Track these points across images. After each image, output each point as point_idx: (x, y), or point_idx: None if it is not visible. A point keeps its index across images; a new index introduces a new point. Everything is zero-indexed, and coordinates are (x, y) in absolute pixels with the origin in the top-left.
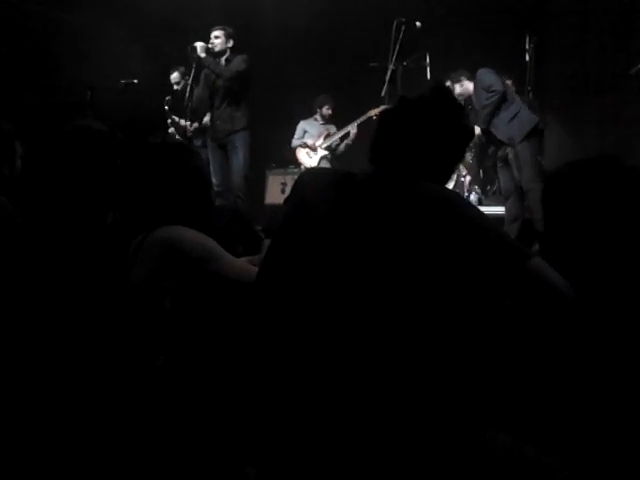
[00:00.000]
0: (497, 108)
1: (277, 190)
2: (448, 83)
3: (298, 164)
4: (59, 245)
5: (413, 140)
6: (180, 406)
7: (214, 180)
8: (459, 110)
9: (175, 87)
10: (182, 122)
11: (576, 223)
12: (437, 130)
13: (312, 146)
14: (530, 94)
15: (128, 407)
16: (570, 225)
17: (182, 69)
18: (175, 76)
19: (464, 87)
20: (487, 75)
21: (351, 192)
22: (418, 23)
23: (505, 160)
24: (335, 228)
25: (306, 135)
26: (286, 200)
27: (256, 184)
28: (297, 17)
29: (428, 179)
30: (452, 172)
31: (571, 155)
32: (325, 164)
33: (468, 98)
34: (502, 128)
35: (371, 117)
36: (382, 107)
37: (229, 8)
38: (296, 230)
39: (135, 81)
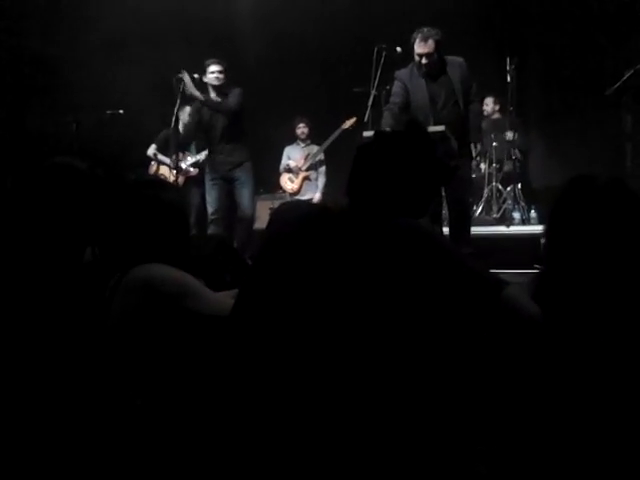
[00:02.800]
0: None
1: (266, 216)
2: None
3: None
4: (36, 283)
5: (388, 175)
6: (160, 445)
7: (209, 208)
8: (432, 146)
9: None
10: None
11: (582, 244)
12: (412, 165)
13: (295, 169)
14: (512, 114)
15: (107, 447)
16: (576, 245)
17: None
18: (188, 110)
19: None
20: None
21: (327, 228)
22: (399, 48)
23: None
24: (310, 264)
25: (290, 160)
26: (262, 234)
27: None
28: (284, 45)
29: (404, 213)
30: (428, 206)
31: (555, 172)
32: (309, 186)
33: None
34: None
35: (346, 129)
36: (353, 119)
37: (213, 43)
38: (270, 266)
39: (120, 111)
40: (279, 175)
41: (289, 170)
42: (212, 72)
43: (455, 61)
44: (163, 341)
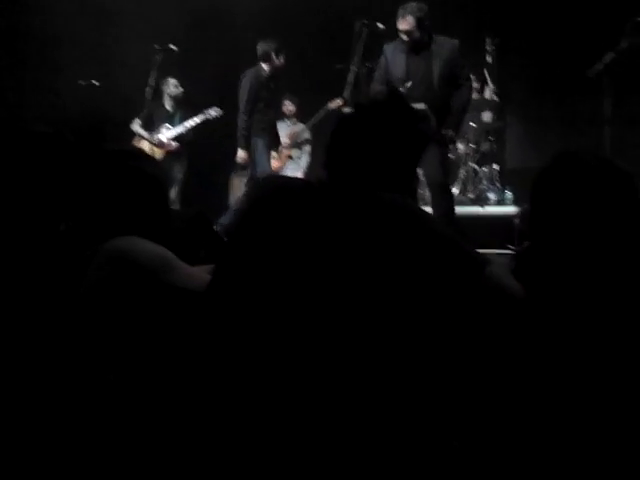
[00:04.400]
0: None
1: (241, 192)
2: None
3: None
4: (5, 254)
5: (367, 146)
6: (134, 421)
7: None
8: (413, 115)
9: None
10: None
11: (566, 219)
12: (391, 135)
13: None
14: (491, 94)
15: (79, 422)
16: (560, 220)
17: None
18: (173, 82)
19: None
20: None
21: (306, 202)
22: (380, 25)
23: None
24: (288, 240)
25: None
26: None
27: (222, 187)
28: (265, 19)
29: (385, 185)
30: (411, 177)
31: (532, 153)
32: (292, 165)
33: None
34: None
35: (330, 110)
36: (339, 100)
37: (194, 14)
38: (246, 242)
39: (96, 82)
40: None
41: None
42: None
43: (446, 42)
44: (137, 314)
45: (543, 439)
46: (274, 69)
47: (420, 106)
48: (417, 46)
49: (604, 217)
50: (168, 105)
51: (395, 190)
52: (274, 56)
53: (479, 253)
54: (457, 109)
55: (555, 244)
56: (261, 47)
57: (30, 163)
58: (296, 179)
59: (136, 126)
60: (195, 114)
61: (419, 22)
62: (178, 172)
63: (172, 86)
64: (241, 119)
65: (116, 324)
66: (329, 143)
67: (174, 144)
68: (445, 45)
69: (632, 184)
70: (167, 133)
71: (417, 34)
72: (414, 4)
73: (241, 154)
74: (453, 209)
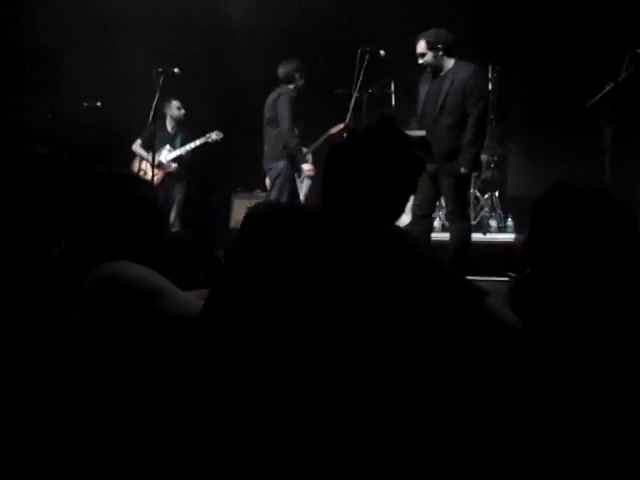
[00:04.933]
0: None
1: (243, 214)
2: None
3: (265, 188)
4: None
5: (361, 173)
6: (124, 447)
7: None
8: (406, 141)
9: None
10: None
11: (563, 249)
12: (384, 162)
13: None
14: (493, 122)
15: (68, 448)
16: (557, 251)
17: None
18: (176, 104)
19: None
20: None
21: (301, 230)
22: (382, 51)
23: None
24: (283, 266)
25: None
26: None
27: (222, 208)
28: (268, 43)
29: (379, 213)
30: (404, 204)
31: (533, 181)
32: None
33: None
34: None
35: (332, 135)
36: (341, 125)
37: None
38: (242, 267)
39: (98, 104)
40: (260, 174)
41: None
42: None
43: (462, 67)
44: (129, 340)
45: (541, 473)
46: (296, 89)
47: (419, 133)
48: (434, 72)
49: (601, 248)
50: (169, 127)
51: (388, 216)
52: (297, 76)
53: (476, 285)
54: (465, 143)
55: (552, 274)
56: (284, 68)
57: (25, 184)
58: (292, 205)
59: (137, 147)
60: (196, 136)
61: (430, 46)
62: (177, 193)
63: (174, 108)
64: (291, 136)
65: (108, 350)
66: (324, 171)
67: (174, 165)
68: (459, 70)
69: (629, 216)
70: (167, 155)
71: (428, 58)
72: (432, 30)
73: (308, 167)
74: (465, 237)
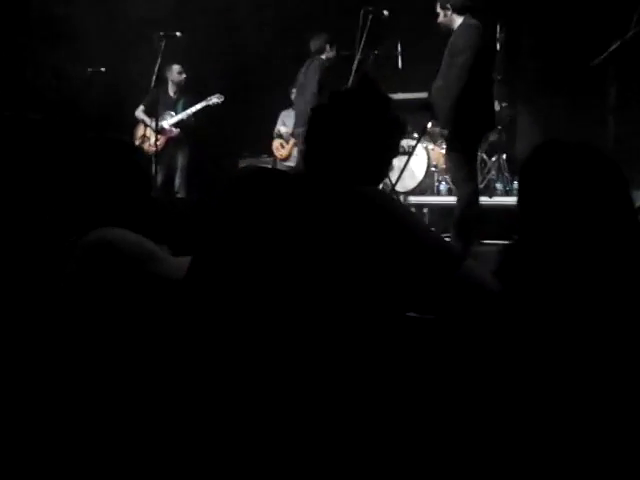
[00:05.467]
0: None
1: None
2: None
3: (271, 153)
4: None
5: (341, 135)
6: (119, 413)
7: None
8: (386, 102)
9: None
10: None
11: (551, 211)
12: (364, 123)
13: (286, 135)
14: (500, 83)
15: (63, 416)
16: (547, 209)
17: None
18: (177, 69)
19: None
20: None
21: (281, 192)
22: (386, 12)
23: None
24: (263, 228)
25: (285, 125)
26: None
27: (229, 174)
28: (272, 9)
29: (361, 175)
30: (386, 166)
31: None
32: (298, 153)
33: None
34: None
35: None
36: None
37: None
38: (224, 228)
39: (102, 69)
40: (267, 140)
41: (280, 136)
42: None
43: (465, 24)
44: (120, 305)
45: (517, 437)
46: (328, 60)
47: (421, 95)
48: (447, 32)
49: (589, 207)
50: (172, 91)
51: (370, 178)
52: (328, 47)
53: (455, 248)
54: (442, 105)
55: (540, 236)
56: (314, 43)
57: (14, 150)
58: (273, 170)
59: (139, 112)
60: (198, 100)
61: (441, 5)
62: (180, 158)
63: (175, 72)
64: (315, 100)
65: (99, 315)
66: (306, 132)
67: (175, 130)
68: (462, 28)
69: (617, 171)
70: (169, 120)
71: (440, 18)
72: None
73: None
74: (469, 201)
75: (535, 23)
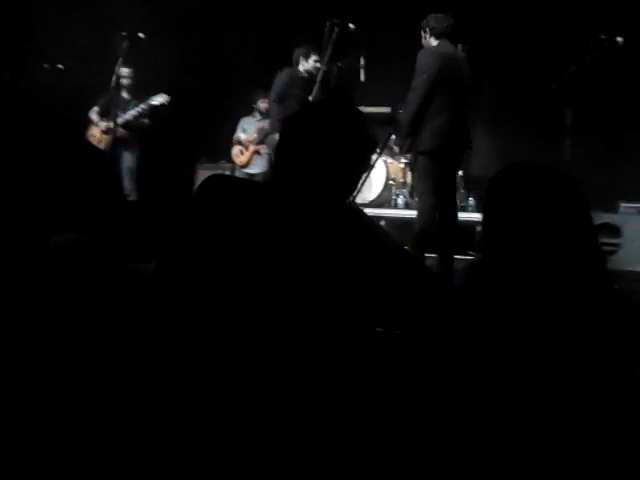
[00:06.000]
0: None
1: None
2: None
3: (230, 159)
4: None
5: (313, 148)
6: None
7: None
8: (360, 117)
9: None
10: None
11: (517, 226)
12: (336, 137)
13: (245, 142)
14: None
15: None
16: (512, 227)
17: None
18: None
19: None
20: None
21: (251, 203)
22: (352, 25)
23: None
24: (231, 240)
25: (245, 132)
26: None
27: (186, 178)
28: (238, 16)
29: (331, 189)
30: (357, 181)
31: (496, 163)
32: (258, 160)
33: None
34: None
35: None
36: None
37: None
38: (191, 239)
39: (60, 66)
40: (227, 146)
41: (240, 142)
42: (315, 60)
43: (428, 48)
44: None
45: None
46: (306, 72)
47: (385, 110)
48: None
49: (553, 228)
50: (125, 93)
51: (340, 193)
52: (302, 59)
53: (424, 266)
54: (401, 121)
55: (504, 255)
56: (294, 54)
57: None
58: (241, 180)
59: (92, 113)
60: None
61: (422, 27)
62: (128, 161)
63: (124, 74)
64: (273, 107)
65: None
66: (277, 144)
67: (120, 131)
68: (422, 52)
69: (580, 195)
70: (117, 120)
71: (423, 40)
72: (432, 14)
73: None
74: (423, 217)
75: (494, 44)
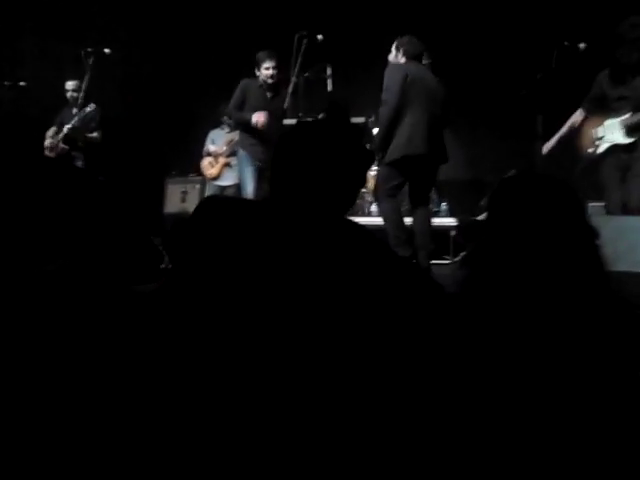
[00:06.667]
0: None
1: (177, 199)
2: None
3: (199, 173)
4: None
5: (312, 165)
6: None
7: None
8: (356, 132)
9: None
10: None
11: (518, 229)
12: (334, 153)
13: (214, 154)
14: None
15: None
16: (512, 231)
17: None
18: (71, 84)
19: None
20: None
21: (252, 224)
22: (320, 36)
23: None
24: (229, 261)
25: (214, 144)
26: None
27: (154, 193)
28: (205, 28)
29: (329, 205)
30: (355, 196)
31: (464, 168)
32: (230, 173)
33: None
34: None
35: None
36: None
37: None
38: (190, 261)
39: (22, 84)
40: (195, 159)
41: (209, 154)
42: (267, 68)
43: (394, 64)
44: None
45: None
46: (262, 80)
47: (357, 120)
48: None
49: (555, 237)
50: (73, 107)
51: (338, 208)
52: (257, 67)
53: (431, 278)
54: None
55: (507, 261)
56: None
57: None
58: (239, 200)
59: (49, 131)
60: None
61: (397, 47)
62: None
63: (69, 87)
64: (227, 115)
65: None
66: (272, 161)
67: (62, 146)
68: (388, 68)
69: (579, 200)
70: (57, 137)
71: (391, 57)
72: (407, 36)
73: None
74: (384, 218)
75: (460, 52)
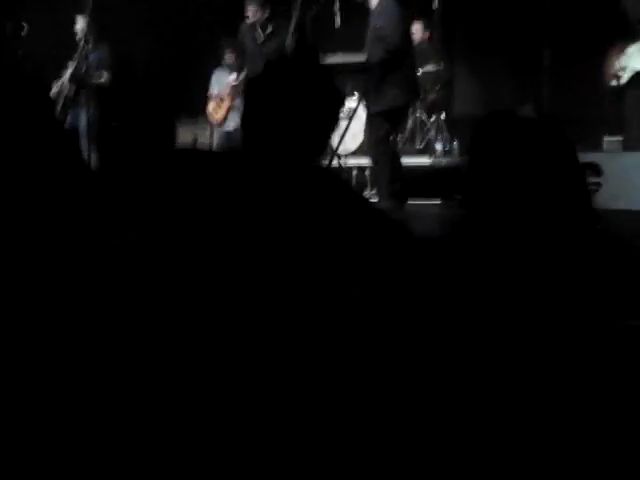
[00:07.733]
0: None
1: (188, 141)
2: None
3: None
4: None
5: (281, 109)
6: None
7: None
8: (327, 73)
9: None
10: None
11: (503, 173)
12: (305, 96)
13: (217, 97)
14: (437, 42)
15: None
16: (498, 175)
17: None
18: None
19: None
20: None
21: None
22: None
23: None
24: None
25: (218, 85)
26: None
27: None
28: None
29: (302, 150)
30: (327, 139)
31: (478, 103)
32: (236, 116)
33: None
34: None
35: None
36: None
37: None
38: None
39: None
40: (207, 101)
41: (215, 97)
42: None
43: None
44: None
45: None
46: (252, 22)
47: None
48: None
49: (540, 176)
50: (85, 48)
51: (310, 152)
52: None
53: (405, 229)
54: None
55: (491, 201)
56: None
57: None
58: (212, 152)
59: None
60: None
61: None
62: (82, 120)
63: (79, 27)
64: None
65: None
66: (244, 105)
67: (67, 88)
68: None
69: (565, 138)
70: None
71: None
72: None
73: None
74: (385, 162)
75: None
